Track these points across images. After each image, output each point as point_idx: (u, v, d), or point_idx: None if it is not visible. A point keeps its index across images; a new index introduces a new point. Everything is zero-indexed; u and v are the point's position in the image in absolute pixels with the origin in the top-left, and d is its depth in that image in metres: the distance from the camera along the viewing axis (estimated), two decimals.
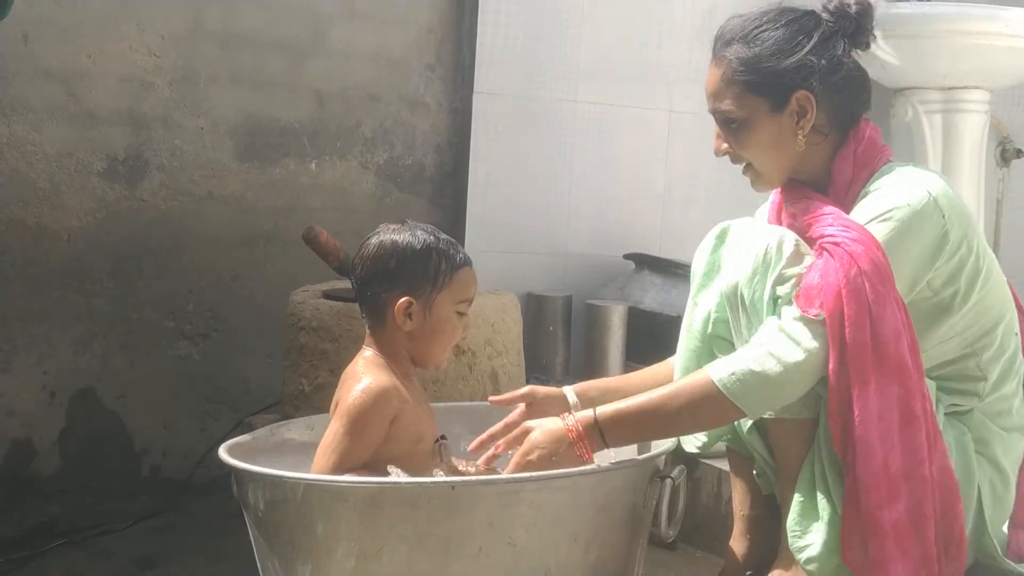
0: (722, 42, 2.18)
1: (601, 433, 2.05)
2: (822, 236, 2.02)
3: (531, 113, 3.95)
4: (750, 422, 2.20)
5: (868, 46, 2.18)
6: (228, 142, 3.63)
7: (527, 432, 2.10)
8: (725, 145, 2.21)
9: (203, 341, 3.63)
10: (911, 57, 3.85)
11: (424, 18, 3.88)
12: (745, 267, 2.08)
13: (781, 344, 1.97)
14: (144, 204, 3.53)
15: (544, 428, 2.08)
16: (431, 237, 2.15)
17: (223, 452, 2.09)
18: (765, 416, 2.09)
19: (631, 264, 3.93)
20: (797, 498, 2.09)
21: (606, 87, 4.04)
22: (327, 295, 2.97)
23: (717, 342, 2.22)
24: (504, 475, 1.97)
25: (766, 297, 2.05)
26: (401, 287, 2.12)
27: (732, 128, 2.18)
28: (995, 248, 4.34)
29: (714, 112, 2.21)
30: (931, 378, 2.10)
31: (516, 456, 2.09)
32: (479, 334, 2.91)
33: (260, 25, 3.63)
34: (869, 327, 1.90)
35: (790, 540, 2.09)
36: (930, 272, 2.01)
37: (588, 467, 2.08)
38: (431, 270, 2.13)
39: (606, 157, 4.06)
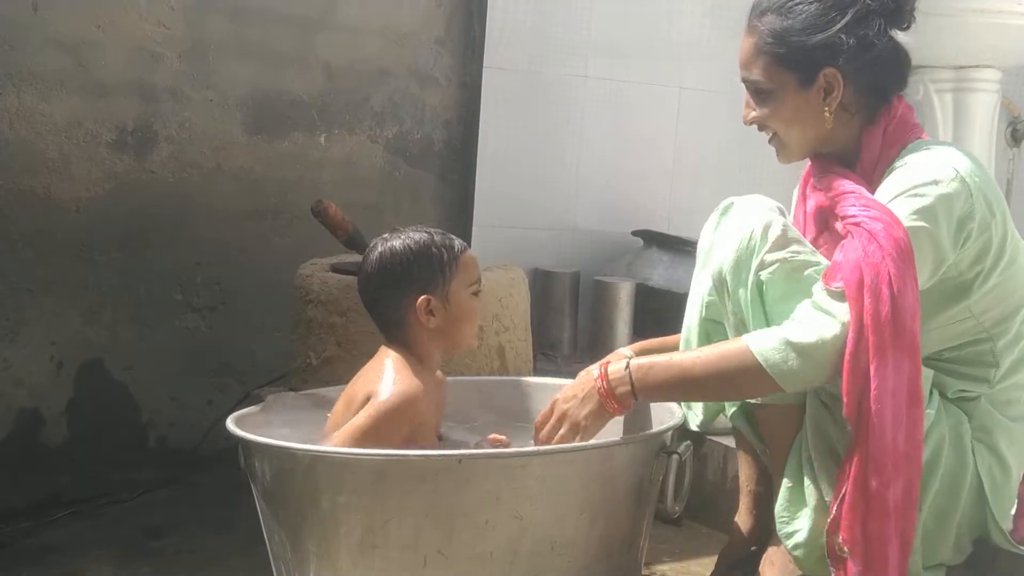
0: (758, 11, 2.17)
1: (632, 385, 2.05)
2: (845, 216, 2.02)
3: (541, 88, 3.94)
4: (735, 406, 2.19)
5: (908, 27, 2.15)
6: (237, 115, 3.62)
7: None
8: (754, 113, 2.20)
9: (211, 314, 3.63)
10: (923, 35, 3.79)
11: None
12: (730, 253, 2.08)
13: (816, 318, 1.95)
14: (153, 176, 3.53)
15: (580, 376, 2.11)
16: (424, 235, 2.19)
17: (231, 423, 2.10)
18: (754, 401, 2.11)
19: (639, 241, 3.93)
20: (785, 483, 2.10)
21: (616, 63, 4.04)
22: (335, 268, 2.97)
23: (710, 325, 2.23)
24: (511, 449, 1.98)
25: (749, 283, 2.05)
26: (415, 289, 2.15)
27: (760, 98, 2.17)
28: None
29: (745, 81, 2.20)
30: (941, 360, 2.10)
31: (555, 401, 2.13)
32: (487, 309, 2.91)
33: None
34: (889, 302, 1.88)
35: (778, 526, 2.10)
36: (956, 251, 1.99)
37: (594, 442, 2.08)
38: (436, 264, 2.16)
39: (615, 133, 4.06)
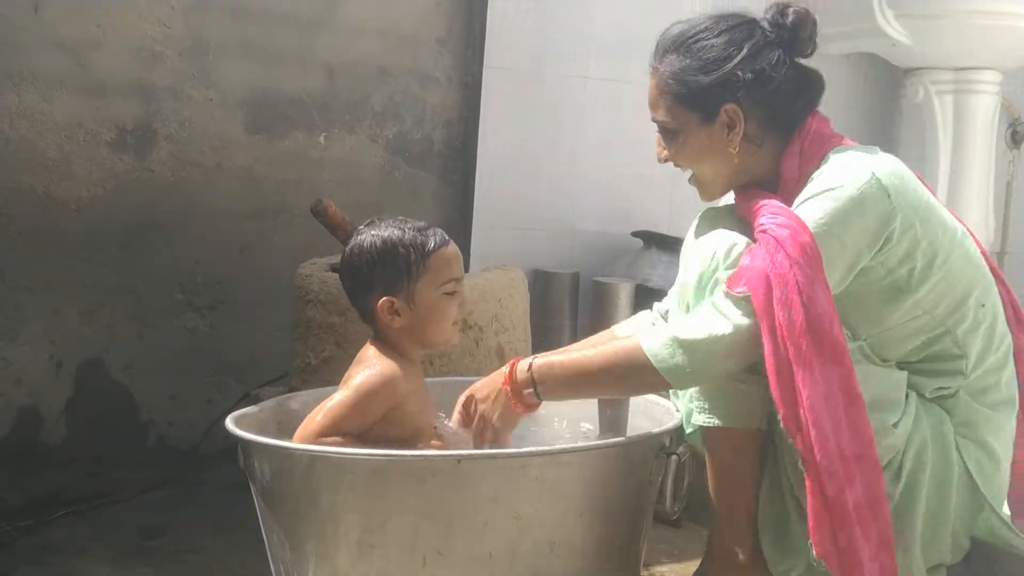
0: (660, 52, 2.21)
1: (535, 386, 2.09)
2: (756, 227, 2.03)
3: (542, 89, 3.93)
4: (693, 425, 2.18)
5: (809, 54, 2.17)
6: (237, 114, 3.62)
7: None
8: (665, 153, 2.24)
9: (210, 313, 3.63)
10: (923, 37, 3.84)
11: None
12: (694, 272, 2.10)
13: (709, 317, 1.98)
14: (153, 175, 3.53)
15: (487, 378, 2.17)
16: (396, 231, 2.16)
17: (230, 423, 2.10)
18: (705, 423, 2.11)
19: (639, 242, 3.93)
20: (766, 521, 2.11)
21: (617, 64, 4.03)
22: (334, 268, 2.97)
23: None
24: (510, 450, 1.98)
25: (705, 302, 2.06)
26: (378, 288, 2.13)
27: (668, 138, 2.22)
28: (1005, 229, 4.33)
29: (654, 121, 2.24)
30: (912, 363, 2.11)
31: (465, 400, 2.19)
32: (486, 309, 2.91)
33: None
34: (802, 310, 1.89)
35: (770, 564, 2.10)
36: (873, 251, 1.99)
37: (593, 443, 2.08)
38: (401, 264, 2.13)
39: (616, 134, 4.05)
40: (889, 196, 1.99)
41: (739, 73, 2.10)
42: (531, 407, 2.13)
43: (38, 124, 3.38)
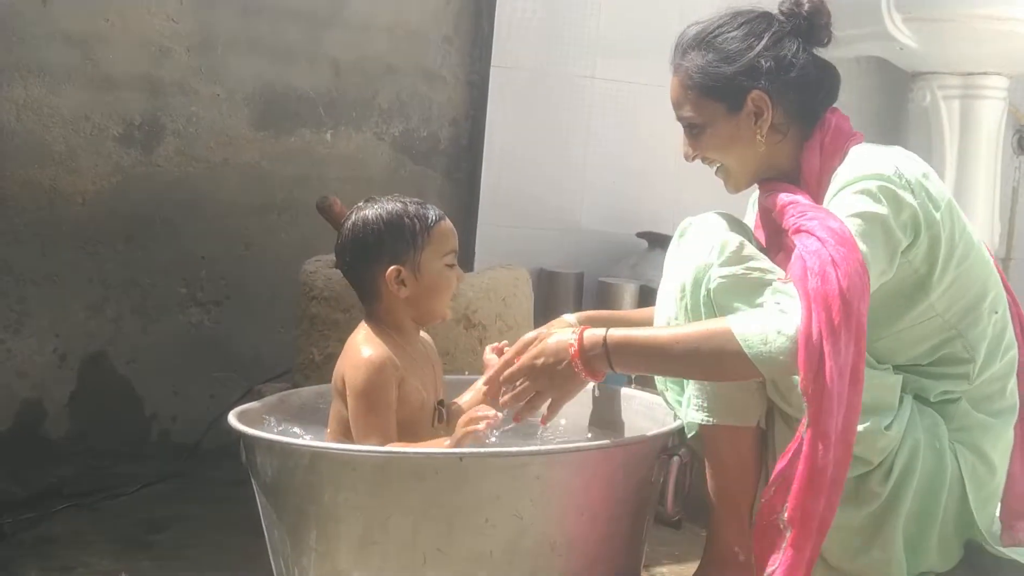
0: (679, 51, 2.24)
1: (608, 355, 2.03)
2: (787, 229, 2.04)
3: (548, 88, 3.93)
4: (694, 428, 2.18)
5: (825, 44, 2.21)
6: (244, 110, 3.63)
7: (538, 340, 2.10)
8: (693, 150, 2.26)
9: (215, 308, 3.63)
10: (930, 41, 3.84)
11: None
12: (689, 271, 2.10)
13: (789, 306, 1.94)
14: (159, 170, 3.53)
15: (556, 337, 2.07)
16: (398, 204, 2.20)
17: (232, 418, 2.10)
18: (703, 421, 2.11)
19: (644, 242, 3.93)
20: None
21: (624, 64, 4.03)
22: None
23: None
24: (513, 448, 1.97)
25: (701, 296, 2.07)
26: (385, 258, 2.17)
27: (695, 134, 2.23)
28: (1010, 235, 4.33)
29: (679, 120, 2.26)
30: (921, 366, 2.11)
31: (525, 357, 2.09)
32: (490, 308, 2.91)
33: None
34: (835, 282, 1.88)
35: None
36: (905, 243, 2.00)
37: (596, 443, 2.08)
38: (407, 234, 2.17)
39: (622, 134, 4.05)
40: (913, 191, 2.01)
41: (761, 61, 2.14)
42: (598, 377, 2.07)
43: (45, 117, 3.38)
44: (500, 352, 2.28)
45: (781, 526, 1.92)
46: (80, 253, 3.46)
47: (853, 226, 1.96)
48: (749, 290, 2.04)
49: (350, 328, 2.76)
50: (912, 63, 4.05)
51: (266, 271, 3.65)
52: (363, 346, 2.15)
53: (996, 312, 2.13)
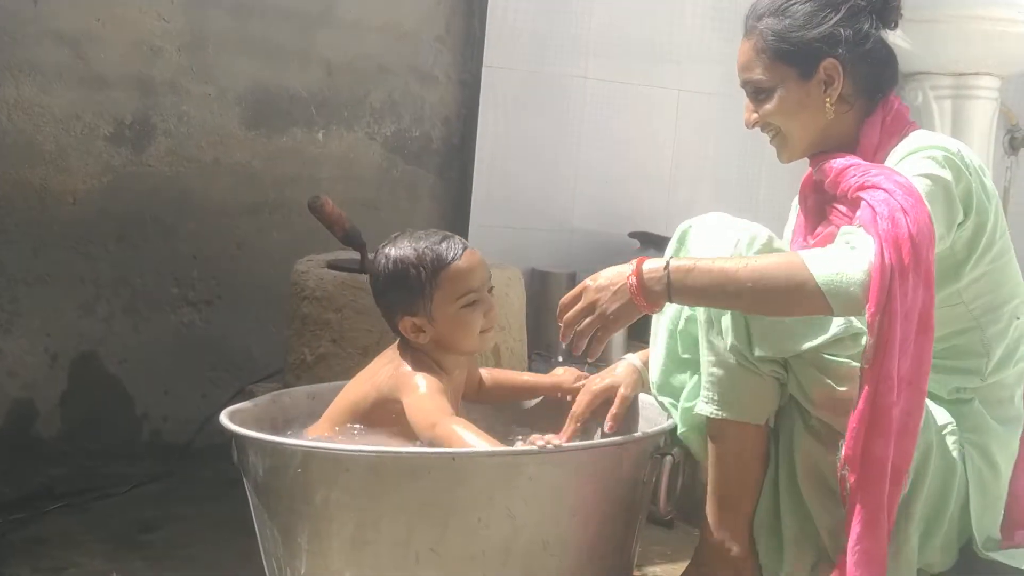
0: (754, 16, 2.23)
1: (669, 286, 1.97)
2: (849, 188, 2.04)
3: (540, 88, 3.93)
4: (689, 424, 2.18)
5: (895, 25, 2.23)
6: (236, 109, 3.62)
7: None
8: (756, 115, 2.24)
9: (206, 308, 3.63)
10: (923, 41, 3.84)
11: None
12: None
13: (860, 243, 1.92)
14: (150, 170, 3.52)
15: (611, 269, 2.05)
16: (408, 250, 2.15)
17: (224, 418, 2.10)
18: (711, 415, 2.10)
19: (636, 242, 3.93)
20: (762, 521, 2.12)
21: (616, 64, 4.03)
22: (331, 265, 2.97)
23: (685, 338, 2.21)
24: (505, 448, 1.97)
25: None
26: (398, 309, 2.16)
27: (761, 98, 2.22)
28: None
29: (745, 84, 2.25)
30: (934, 356, 2.10)
31: (576, 290, 2.08)
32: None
33: None
34: (905, 226, 1.87)
35: (764, 569, 2.11)
36: (960, 216, 2.01)
37: (588, 443, 2.08)
38: (413, 284, 2.13)
39: (614, 134, 4.05)
40: (971, 174, 2.03)
41: (840, 30, 2.15)
42: (655, 307, 2.01)
43: (36, 117, 3.37)
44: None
45: (841, 468, 1.90)
46: (71, 253, 3.45)
47: (920, 184, 1.96)
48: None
49: (341, 328, 2.77)
50: (904, 63, 4.02)
51: (257, 271, 3.65)
52: (405, 364, 2.14)
53: (1018, 318, 2.14)
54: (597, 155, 4.03)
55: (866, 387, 1.88)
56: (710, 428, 2.13)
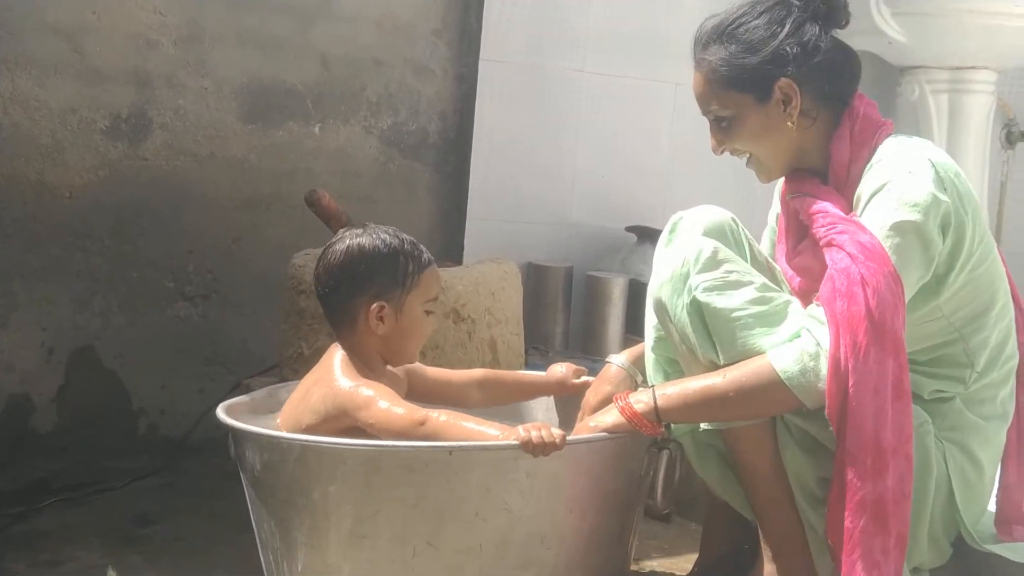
0: (700, 46, 2.22)
1: (658, 415, 2.05)
2: (818, 240, 2.05)
3: (537, 82, 3.93)
4: (683, 426, 2.18)
5: (844, 25, 2.19)
6: (232, 103, 3.61)
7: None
8: (723, 145, 2.24)
9: (203, 302, 3.62)
10: (919, 35, 3.85)
11: None
12: (665, 279, 2.11)
13: (819, 333, 1.96)
14: (146, 163, 3.52)
15: (612, 417, 2.09)
16: (396, 240, 2.17)
17: (221, 412, 2.10)
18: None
19: (633, 236, 3.93)
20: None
21: (613, 58, 4.03)
22: None
23: (660, 345, 2.24)
24: (502, 442, 1.98)
25: (686, 306, 2.06)
26: (371, 292, 2.14)
27: (724, 127, 2.20)
28: (998, 230, 4.34)
29: (706, 115, 2.24)
30: (917, 364, 2.10)
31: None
32: (479, 302, 2.91)
33: None
34: (863, 301, 1.89)
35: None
36: (940, 244, 1.99)
37: (585, 436, 2.08)
38: (399, 273, 2.14)
39: (611, 128, 4.05)
40: (946, 189, 2.00)
41: (786, 48, 2.12)
42: (657, 432, 2.08)
43: (32, 110, 3.36)
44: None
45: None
46: (67, 247, 3.44)
47: (887, 240, 1.95)
48: (732, 288, 2.04)
49: None
50: (901, 57, 4.06)
51: (254, 265, 3.64)
52: (345, 378, 2.12)
53: (1000, 323, 2.13)
54: (594, 149, 4.03)
55: (835, 472, 1.94)
56: (725, 437, 2.14)
